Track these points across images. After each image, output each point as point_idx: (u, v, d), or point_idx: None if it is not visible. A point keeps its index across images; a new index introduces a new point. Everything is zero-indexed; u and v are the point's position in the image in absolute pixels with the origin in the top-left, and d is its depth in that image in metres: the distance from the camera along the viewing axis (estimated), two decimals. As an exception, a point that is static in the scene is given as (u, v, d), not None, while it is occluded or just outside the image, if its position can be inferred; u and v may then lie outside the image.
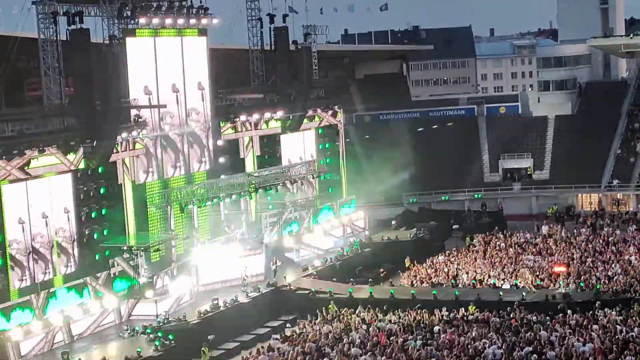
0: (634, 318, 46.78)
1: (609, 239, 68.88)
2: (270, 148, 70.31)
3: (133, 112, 56.28)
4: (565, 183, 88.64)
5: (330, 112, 76.54)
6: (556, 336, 44.15)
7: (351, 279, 61.56)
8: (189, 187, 59.83)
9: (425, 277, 61.37)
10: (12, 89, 58.39)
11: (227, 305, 54.69)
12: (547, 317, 48.42)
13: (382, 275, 64.29)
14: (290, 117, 71.12)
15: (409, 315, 51.06)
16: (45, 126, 50.40)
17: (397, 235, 72.97)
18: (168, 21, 59.33)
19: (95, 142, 52.19)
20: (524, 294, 53.73)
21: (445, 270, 62.43)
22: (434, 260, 65.99)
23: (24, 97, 58.55)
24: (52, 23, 52.13)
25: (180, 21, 60.49)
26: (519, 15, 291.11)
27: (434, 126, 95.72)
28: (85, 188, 53.61)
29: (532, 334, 45.03)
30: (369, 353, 43.96)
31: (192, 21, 61.35)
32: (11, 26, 59.33)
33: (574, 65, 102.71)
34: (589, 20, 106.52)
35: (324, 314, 53.40)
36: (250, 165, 68.47)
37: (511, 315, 48.73)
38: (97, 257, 53.82)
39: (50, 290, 49.67)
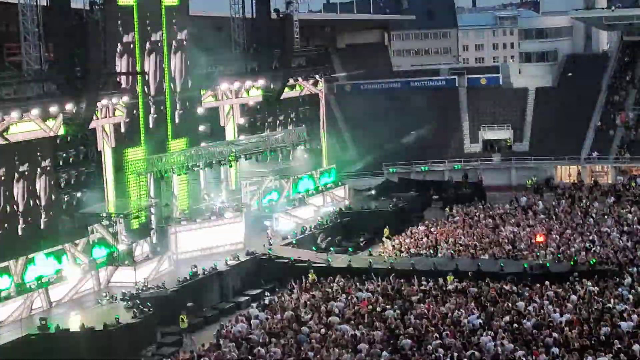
0: (610, 290, 47.09)
1: (587, 211, 69.23)
2: (251, 116, 70.24)
3: (113, 78, 56.01)
4: (545, 155, 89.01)
5: (311, 81, 76.43)
6: (534, 307, 44.40)
7: (330, 248, 61.58)
8: (168, 154, 59.70)
9: (404, 247, 61.51)
10: (-9, 54, 58.00)
11: (206, 273, 54.73)
12: (525, 288, 48.68)
13: (362, 244, 64.48)
14: (272, 86, 70.97)
15: (388, 285, 51.20)
16: (25, 92, 50.07)
17: (376, 205, 73.05)
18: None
19: (75, 109, 51.92)
20: (502, 264, 53.96)
21: (424, 240, 62.60)
22: (413, 231, 66.15)
23: (3, 62, 58.08)
24: (32, -12, 51.71)
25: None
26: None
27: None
28: (64, 154, 53.41)
29: (510, 304, 45.30)
30: (349, 322, 44.12)
31: (174, -12, 61.03)
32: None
33: (555, 37, 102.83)
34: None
35: (304, 282, 53.45)
36: (230, 134, 68.38)
37: (490, 286, 48.93)
38: (75, 223, 53.68)
39: (29, 256, 49.58)
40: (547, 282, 48.86)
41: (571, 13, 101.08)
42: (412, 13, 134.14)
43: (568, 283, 48.99)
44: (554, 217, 67.79)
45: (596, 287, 47.65)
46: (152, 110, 60.29)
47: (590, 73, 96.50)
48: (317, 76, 76.87)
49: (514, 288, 48.51)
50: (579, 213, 68.72)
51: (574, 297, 45.75)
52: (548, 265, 53.46)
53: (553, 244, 58.62)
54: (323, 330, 42.62)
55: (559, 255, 55.82)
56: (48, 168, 52.03)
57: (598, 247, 57.28)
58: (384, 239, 62.32)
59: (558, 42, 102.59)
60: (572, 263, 53.44)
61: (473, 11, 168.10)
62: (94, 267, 52.79)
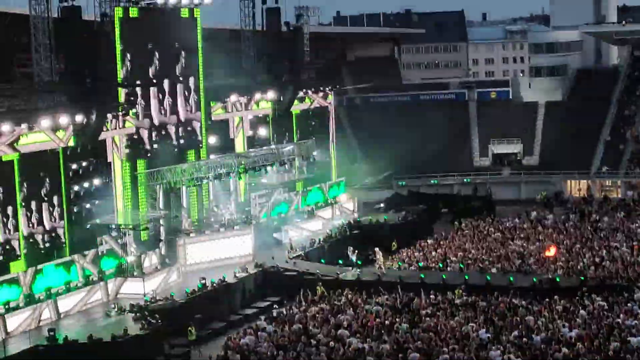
0: (620, 305, 46.93)
1: (597, 226, 69.04)
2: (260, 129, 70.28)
3: (123, 90, 56.13)
4: (555, 169, 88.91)
5: (321, 94, 76.46)
6: (542, 321, 44.27)
7: (339, 261, 61.51)
8: (178, 166, 59.72)
9: (413, 260, 61.42)
10: (1, 65, 58.14)
11: (214, 285, 54.69)
12: (534, 302, 48.55)
13: (371, 257, 64.38)
14: (281, 99, 71.03)
15: (396, 298, 51.10)
16: (35, 103, 50.20)
17: (385, 218, 72.94)
18: (160, 0, 59.11)
19: (85, 120, 52.02)
20: (511, 278, 53.81)
21: (433, 254, 62.50)
22: (422, 244, 66.05)
23: (14, 73, 58.30)
24: (44, 0, 51.88)
25: (173, 0, 60.25)
26: (511, 1, 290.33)
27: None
28: (74, 165, 53.50)
29: (519, 318, 45.17)
30: (357, 335, 44.06)
31: (185, 1, 61.10)
32: (2, 1, 59.18)
33: (565, 51, 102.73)
34: (581, 6, 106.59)
35: (311, 295, 53.36)
36: (240, 146, 68.41)
37: (499, 300, 48.81)
38: (85, 235, 53.73)
39: (38, 267, 49.61)
40: (556, 297, 48.71)
41: (581, 27, 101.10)
42: (422, 26, 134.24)
43: (577, 298, 48.83)
44: (563, 231, 67.61)
45: (606, 302, 47.49)
46: (162, 120, 60.31)
47: (601, 87, 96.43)
48: (326, 89, 76.91)
49: (523, 302, 48.37)
50: (589, 228, 68.53)
51: (583, 312, 45.58)
52: (557, 279, 53.31)
53: (562, 259, 58.47)
54: (331, 343, 42.54)
55: (568, 270, 55.65)
56: (58, 179, 52.08)
57: (608, 262, 57.10)
58: (376, 249, 61.89)
59: (568, 57, 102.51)
60: (581, 278, 53.28)
61: (483, 25, 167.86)
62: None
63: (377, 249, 61.07)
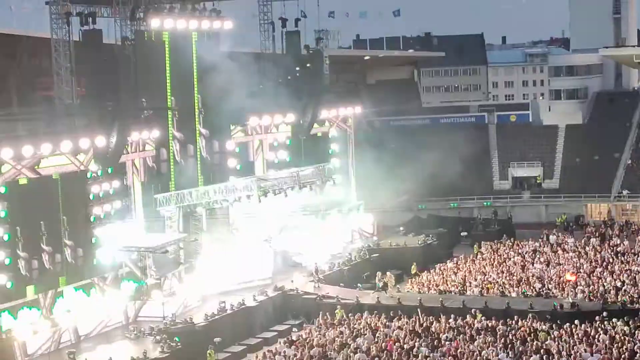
0: (641, 329, 46.67)
1: (618, 250, 68.70)
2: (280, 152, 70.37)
3: (144, 113, 56.37)
4: (575, 192, 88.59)
5: (340, 117, 76.51)
6: (563, 346, 44.04)
7: (358, 284, 61.45)
8: (197, 189, 59.81)
9: (433, 284, 61.26)
10: (23, 88, 58.53)
11: (234, 308, 54.65)
12: (555, 326, 48.31)
13: (388, 281, 64.21)
14: (301, 122, 71.10)
15: (416, 322, 50.95)
16: (56, 126, 50.46)
17: (405, 242, 72.81)
18: (180, 23, 59.41)
19: (105, 143, 52.20)
20: (531, 302, 53.58)
21: (453, 277, 62.33)
22: (442, 267, 65.89)
23: (36, 97, 58.68)
24: (65, 23, 52.34)
25: (193, 24, 60.57)
26: (531, 24, 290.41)
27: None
28: (94, 188, 53.66)
29: (539, 343, 44.94)
30: (376, 359, 43.93)
31: (205, 24, 61.42)
32: (24, 25, 59.66)
33: (585, 74, 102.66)
34: (601, 29, 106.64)
35: (330, 318, 53.25)
36: (259, 169, 68.48)
37: (519, 324, 48.59)
38: (105, 257, 53.84)
39: (58, 290, 49.72)
40: (577, 321, 48.45)
41: (601, 51, 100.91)
42: (441, 50, 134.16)
43: (598, 322, 48.55)
44: (584, 255, 67.31)
45: (627, 327, 47.20)
46: (182, 145, 60.49)
47: (621, 110, 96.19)
48: (346, 112, 76.93)
49: (544, 327, 48.13)
50: (609, 251, 68.20)
51: (604, 337, 45.30)
52: (578, 304, 53.04)
53: (583, 283, 58.18)
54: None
55: (589, 294, 55.38)
56: (78, 202, 52.22)
57: (629, 286, 56.78)
58: (387, 273, 61.64)
59: (588, 80, 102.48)
60: (602, 302, 52.97)
61: (503, 48, 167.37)
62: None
63: (388, 273, 60.80)
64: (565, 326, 48.18)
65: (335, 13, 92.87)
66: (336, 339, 48.14)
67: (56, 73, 52.42)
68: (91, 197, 53.22)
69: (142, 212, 57.55)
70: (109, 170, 54.45)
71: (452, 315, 51.34)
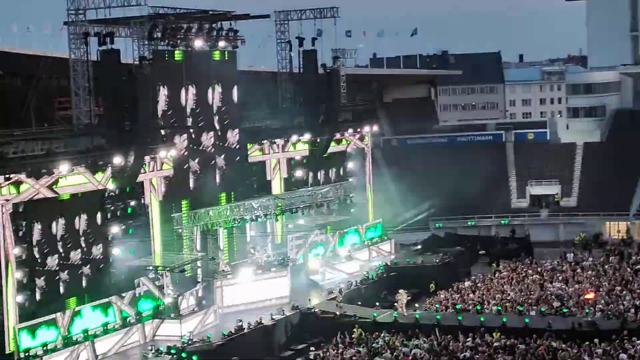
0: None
1: (637, 268, 68.34)
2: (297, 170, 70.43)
3: (161, 132, 56.52)
4: (593, 211, 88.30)
5: (357, 135, 76.54)
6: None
7: (376, 303, 61.30)
8: (215, 208, 59.90)
9: (451, 303, 61.06)
10: (42, 108, 58.79)
11: (251, 327, 54.62)
12: (574, 345, 48.06)
13: (408, 299, 64.03)
14: (318, 140, 71.17)
15: (434, 341, 50.78)
16: (74, 145, 50.65)
17: (422, 260, 72.68)
18: (198, 43, 59.64)
19: (123, 162, 52.37)
20: (550, 321, 53.34)
21: (471, 296, 62.12)
22: (460, 286, 65.68)
23: (54, 116, 58.89)
24: (83, 43, 52.56)
25: (210, 43, 60.78)
26: (548, 42, 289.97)
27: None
28: (112, 207, 53.80)
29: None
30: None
31: (222, 43, 61.63)
32: (43, 45, 59.95)
33: (603, 92, 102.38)
34: (619, 47, 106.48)
35: (348, 337, 53.14)
36: (277, 188, 68.57)
37: (537, 343, 48.36)
38: (122, 276, 53.93)
39: (76, 309, 49.81)
40: (596, 340, 48.19)
41: (619, 68, 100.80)
42: (459, 68, 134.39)
43: (618, 341, 48.28)
44: (603, 273, 66.99)
45: (647, 346, 46.93)
46: (199, 163, 60.62)
47: (639, 128, 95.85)
48: (363, 130, 76.99)
49: (563, 345, 47.88)
50: (629, 270, 67.87)
51: (624, 356, 45.06)
52: (597, 322, 52.76)
53: (602, 301, 57.88)
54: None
55: (608, 313, 55.09)
56: (95, 221, 52.39)
57: (648, 305, 56.50)
58: (400, 291, 61.29)
59: (606, 97, 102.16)
60: (621, 321, 52.69)
61: (520, 66, 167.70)
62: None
63: (401, 291, 60.55)
64: (584, 345, 47.93)
65: (352, 32, 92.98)
66: (353, 358, 48.02)
67: (74, 93, 52.63)
68: (108, 216, 53.37)
69: (160, 230, 57.61)
70: (127, 189, 54.60)
71: (470, 334, 51.15)
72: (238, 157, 63.99)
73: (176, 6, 57.98)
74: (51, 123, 56.71)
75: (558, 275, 67.18)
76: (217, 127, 62.05)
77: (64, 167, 48.81)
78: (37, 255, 48.55)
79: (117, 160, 52.04)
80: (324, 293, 63.02)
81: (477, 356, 46.85)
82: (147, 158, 54.66)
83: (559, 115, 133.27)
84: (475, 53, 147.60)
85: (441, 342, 50.09)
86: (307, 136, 69.97)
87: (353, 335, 53.50)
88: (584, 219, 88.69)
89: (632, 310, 55.18)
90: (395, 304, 59.53)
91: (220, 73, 62.12)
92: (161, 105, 57.27)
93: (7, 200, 46.74)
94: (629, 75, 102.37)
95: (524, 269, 69.60)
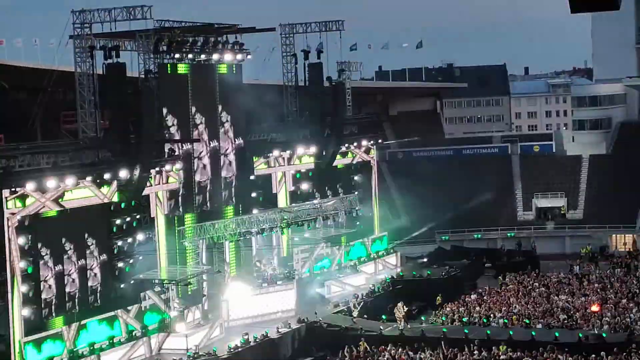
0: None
1: (644, 281, 68.27)
2: (303, 183, 70.43)
3: (167, 146, 56.55)
4: (599, 223, 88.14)
5: (363, 148, 76.54)
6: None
7: (382, 316, 61.17)
8: (221, 221, 59.90)
9: (457, 316, 60.96)
10: (48, 121, 58.87)
11: (257, 340, 54.54)
12: (580, 358, 47.94)
13: (414, 312, 63.91)
14: (324, 153, 71.16)
15: (440, 354, 50.68)
16: (80, 159, 50.68)
17: (428, 273, 72.60)
18: (203, 56, 59.75)
19: (129, 176, 52.41)
20: (556, 334, 53.22)
21: (477, 309, 62.01)
22: (466, 299, 65.59)
23: (60, 130, 58.95)
24: (89, 57, 52.65)
25: (216, 56, 60.89)
26: (553, 54, 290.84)
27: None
28: (118, 221, 53.84)
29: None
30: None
31: (227, 56, 61.72)
32: (49, 59, 60.03)
33: (608, 104, 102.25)
34: (624, 59, 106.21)
35: (355, 351, 53.07)
36: (282, 201, 68.55)
37: (544, 356, 48.24)
38: (128, 290, 53.91)
39: (82, 323, 49.77)
40: (603, 353, 48.09)
41: (625, 81, 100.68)
42: (464, 81, 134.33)
43: (625, 354, 48.15)
44: (609, 286, 66.86)
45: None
46: (205, 176, 60.66)
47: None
48: (369, 143, 76.99)
49: (570, 359, 47.77)
50: (635, 282, 67.73)
51: (630, 369, 44.97)
52: (604, 335, 52.63)
53: (609, 314, 57.75)
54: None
55: (615, 326, 54.95)
56: (102, 234, 52.41)
57: (655, 317, 56.39)
58: (399, 304, 61.05)
59: (612, 110, 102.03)
60: (628, 333, 52.55)
61: (525, 79, 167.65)
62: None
63: (400, 303, 60.36)
64: (590, 358, 47.81)
65: (357, 45, 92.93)
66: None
67: (80, 106, 52.70)
68: (114, 229, 53.40)
69: (165, 244, 57.60)
70: (132, 203, 54.64)
71: (477, 347, 51.04)
72: (244, 171, 64.05)
73: (182, 19, 58.11)
74: (57, 137, 56.78)
75: (564, 288, 67.07)
76: (223, 140, 62.09)
77: (69, 180, 48.85)
78: (42, 269, 48.55)
79: (123, 173, 52.07)
80: (330, 306, 62.92)
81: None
82: (152, 171, 54.66)
83: (564, 128, 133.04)
84: (481, 66, 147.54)
85: (447, 355, 49.97)
86: (312, 149, 69.98)
87: (359, 349, 53.38)
88: (590, 232, 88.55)
89: (639, 323, 55.05)
90: (395, 316, 59.40)
91: (225, 86, 62.19)
92: (167, 119, 57.31)
93: (12, 213, 46.80)
94: (635, 88, 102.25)
95: (530, 282, 69.51)
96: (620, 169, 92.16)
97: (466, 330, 55.39)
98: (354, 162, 76.27)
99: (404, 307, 59.47)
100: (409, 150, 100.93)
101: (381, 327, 57.59)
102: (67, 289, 49.99)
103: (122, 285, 53.55)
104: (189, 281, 55.84)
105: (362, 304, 61.08)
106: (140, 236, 55.01)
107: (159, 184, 56.71)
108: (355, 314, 59.86)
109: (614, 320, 56.22)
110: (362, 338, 55.22)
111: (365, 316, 60.92)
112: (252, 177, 65.56)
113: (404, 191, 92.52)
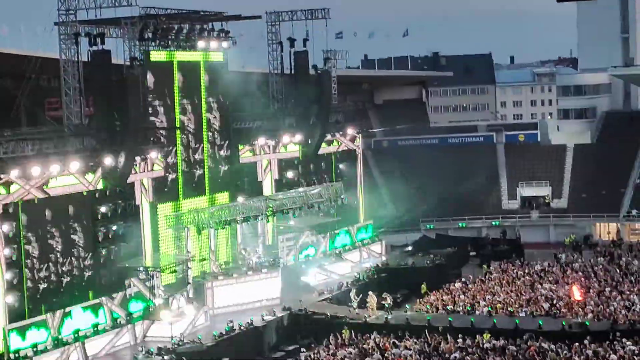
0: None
1: (627, 269, 68.47)
2: (288, 171, 70.42)
3: (152, 133, 56.50)
4: (584, 212, 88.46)
5: (348, 136, 76.53)
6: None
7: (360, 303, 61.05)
8: (206, 209, 59.86)
9: (441, 304, 61.07)
10: (32, 109, 58.67)
11: (242, 328, 54.58)
12: (564, 346, 48.12)
13: (399, 301, 63.97)
14: (309, 141, 71.13)
15: (425, 342, 50.78)
16: (65, 146, 50.58)
17: (413, 261, 72.71)
18: (189, 44, 59.62)
19: (113, 163, 52.32)
20: (540, 322, 53.39)
21: (462, 297, 62.15)
22: (451, 287, 65.71)
23: (44, 117, 58.78)
24: (73, 44, 52.52)
25: (201, 44, 60.79)
26: (539, 43, 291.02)
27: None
28: (102, 208, 53.76)
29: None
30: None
31: (213, 44, 61.63)
32: (33, 46, 59.79)
33: (593, 94, 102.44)
34: (609, 49, 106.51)
35: (339, 338, 53.14)
36: (268, 189, 68.54)
37: (528, 344, 48.40)
38: (113, 277, 53.87)
39: (66, 310, 49.72)
40: (586, 341, 48.27)
41: (610, 70, 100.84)
42: (449, 70, 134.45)
43: (608, 342, 48.35)
44: (592, 275, 67.08)
45: (636, 347, 46.99)
46: (190, 165, 60.62)
47: (629, 130, 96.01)
48: (354, 132, 76.98)
49: (553, 347, 47.93)
50: (618, 271, 67.98)
51: (614, 357, 45.17)
52: (587, 323, 52.84)
53: (592, 303, 57.97)
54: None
55: (598, 314, 55.15)
56: (86, 222, 52.35)
57: (638, 306, 56.54)
58: (370, 292, 60.97)
59: (596, 99, 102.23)
60: (611, 322, 52.74)
61: (511, 68, 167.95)
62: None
63: (370, 293, 60.27)
64: (574, 346, 47.99)
65: (343, 33, 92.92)
66: (345, 359, 48.01)
67: (65, 93, 52.58)
68: (99, 216, 53.33)
69: (150, 231, 57.56)
70: (117, 190, 54.57)
71: (461, 335, 51.18)
72: (229, 158, 64.05)
73: (167, 7, 57.95)
74: (42, 124, 56.58)
75: (548, 276, 67.26)
76: (208, 127, 62.05)
77: (54, 167, 48.79)
78: (26, 256, 48.47)
79: (108, 160, 52.04)
80: (315, 294, 62.99)
81: (467, 357, 46.90)
82: (137, 159, 54.61)
83: (549, 117, 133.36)
84: (467, 55, 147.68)
85: (431, 343, 50.10)
86: (298, 137, 69.94)
87: (343, 336, 53.45)
88: (574, 221, 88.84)
89: (622, 312, 55.27)
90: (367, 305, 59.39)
91: (211, 74, 62.12)
92: (152, 106, 57.20)
93: (-3, 200, 46.70)
94: (620, 77, 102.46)
95: (515, 271, 69.67)
96: (605, 159, 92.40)
97: (450, 319, 55.49)
98: (340, 150, 76.26)
99: (375, 297, 59.49)
100: (395, 139, 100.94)
101: (366, 316, 57.63)
102: (52, 276, 49.93)
103: (106, 273, 53.53)
104: (174, 269, 55.79)
105: (361, 295, 61.00)
106: (124, 223, 54.95)
107: (144, 171, 56.65)
108: (355, 305, 59.78)
109: (597, 308, 56.41)
110: (345, 326, 55.25)
111: (349, 304, 60.77)
112: (237, 165, 65.48)
113: (389, 179, 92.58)
